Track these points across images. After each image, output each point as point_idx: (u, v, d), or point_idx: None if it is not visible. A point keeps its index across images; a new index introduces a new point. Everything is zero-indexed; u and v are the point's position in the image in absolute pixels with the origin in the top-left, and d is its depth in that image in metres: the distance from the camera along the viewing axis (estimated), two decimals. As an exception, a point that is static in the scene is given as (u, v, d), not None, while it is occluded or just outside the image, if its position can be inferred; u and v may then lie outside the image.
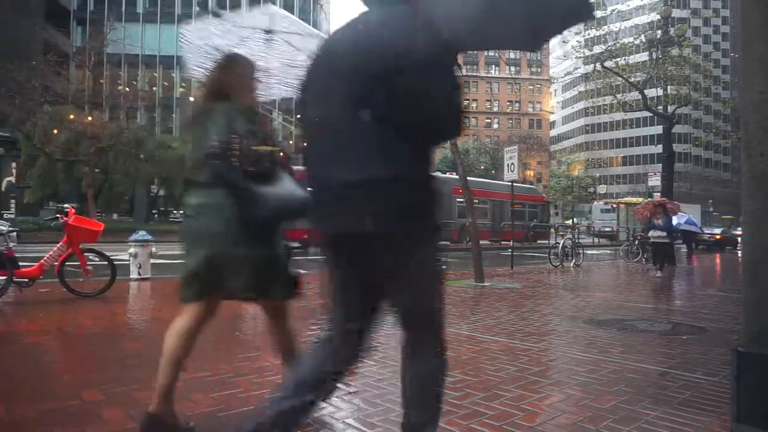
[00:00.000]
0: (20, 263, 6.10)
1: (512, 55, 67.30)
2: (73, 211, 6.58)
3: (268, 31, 2.64)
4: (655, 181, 17.78)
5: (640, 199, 35.19)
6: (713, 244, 26.11)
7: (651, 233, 11.39)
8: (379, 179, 1.50)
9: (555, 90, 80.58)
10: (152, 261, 8.84)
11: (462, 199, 23.33)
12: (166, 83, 44.44)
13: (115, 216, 38.22)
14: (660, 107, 16.32)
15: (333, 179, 1.58)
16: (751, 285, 2.33)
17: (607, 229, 32.35)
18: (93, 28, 30.48)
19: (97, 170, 26.93)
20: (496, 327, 5.05)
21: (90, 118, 26.25)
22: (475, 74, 71.13)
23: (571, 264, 12.87)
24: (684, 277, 11.38)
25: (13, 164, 29.51)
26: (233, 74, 2.37)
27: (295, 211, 2.14)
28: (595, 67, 17.90)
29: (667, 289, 9.38)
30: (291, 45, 2.63)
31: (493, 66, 74.77)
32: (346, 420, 2.57)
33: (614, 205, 34.72)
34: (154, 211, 40.37)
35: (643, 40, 17.25)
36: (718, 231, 28.67)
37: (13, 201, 28.88)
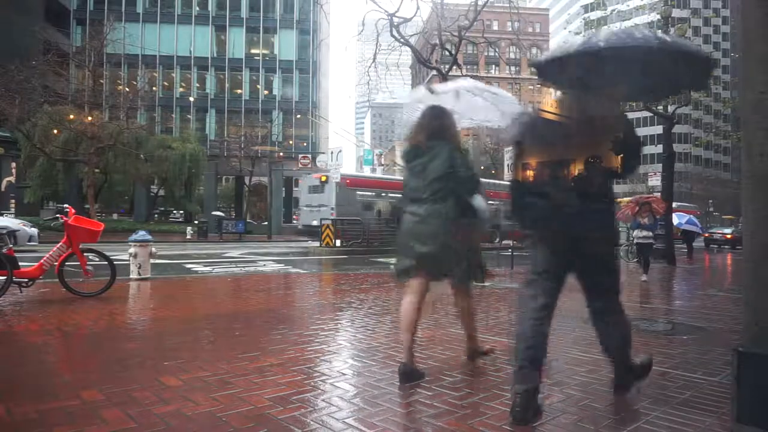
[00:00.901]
0: (20, 263, 6.11)
1: (512, 55, 67.28)
2: (73, 211, 6.58)
3: (467, 93, 3.63)
4: (655, 181, 17.78)
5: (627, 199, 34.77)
6: (723, 243, 26.08)
7: (636, 233, 10.92)
8: (600, 203, 2.69)
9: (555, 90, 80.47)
10: (152, 261, 8.84)
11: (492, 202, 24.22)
12: (166, 83, 44.41)
13: (115, 216, 38.24)
14: (660, 107, 16.31)
15: (570, 202, 2.59)
16: (751, 285, 2.33)
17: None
18: (93, 28, 30.43)
19: (97, 170, 26.92)
20: (496, 327, 5.05)
21: (90, 118, 26.24)
22: (475, 74, 70.97)
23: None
24: (684, 277, 11.38)
25: (13, 164, 29.52)
26: (446, 123, 3.30)
27: (487, 218, 3.34)
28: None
29: (667, 289, 9.38)
30: (478, 96, 3.68)
31: (493, 66, 74.74)
32: (346, 420, 2.57)
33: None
34: (154, 211, 40.37)
35: (643, 40, 17.23)
36: (729, 231, 28.62)
37: (13, 201, 28.90)
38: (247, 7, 45.23)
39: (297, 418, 2.58)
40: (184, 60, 44.09)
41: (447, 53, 10.24)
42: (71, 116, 26.83)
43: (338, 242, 17.37)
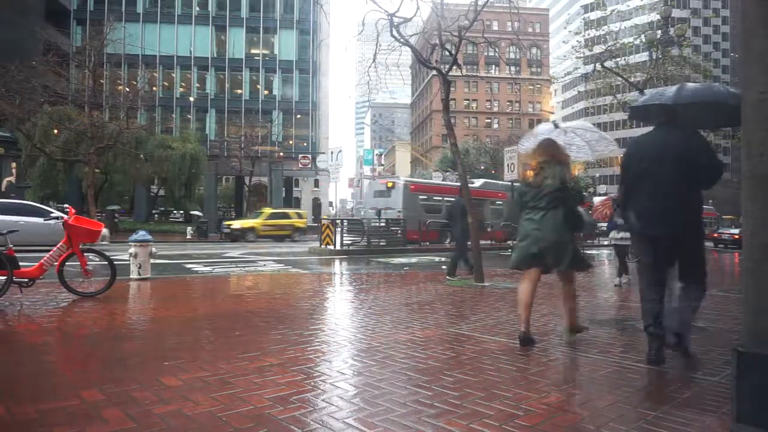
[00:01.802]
0: (20, 263, 6.11)
1: (512, 55, 67.27)
2: (73, 211, 6.58)
3: (572, 132, 4.86)
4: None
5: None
6: (731, 243, 26.07)
7: (612, 234, 9.95)
8: (692, 212, 3.63)
9: (555, 90, 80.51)
10: (152, 261, 8.84)
11: (500, 202, 25.29)
12: (166, 83, 44.41)
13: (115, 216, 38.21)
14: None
15: (668, 209, 3.57)
16: (751, 285, 2.33)
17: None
18: (93, 28, 30.41)
19: (97, 170, 26.91)
20: (496, 327, 5.05)
21: (90, 118, 26.24)
22: (475, 74, 71.09)
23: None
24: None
25: (13, 164, 29.51)
26: (558, 149, 4.35)
27: (588, 222, 6.10)
28: (595, 67, 17.90)
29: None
30: (578, 136, 4.91)
31: (493, 66, 74.78)
32: (346, 420, 2.57)
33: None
34: (154, 211, 40.37)
35: (643, 40, 17.24)
36: (736, 231, 28.70)
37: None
38: (247, 7, 45.23)
39: (297, 418, 2.58)
40: (184, 60, 44.09)
41: (447, 53, 10.22)
42: (71, 116, 26.82)
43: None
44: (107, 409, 2.64)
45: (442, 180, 44.55)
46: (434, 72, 10.27)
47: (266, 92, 45.85)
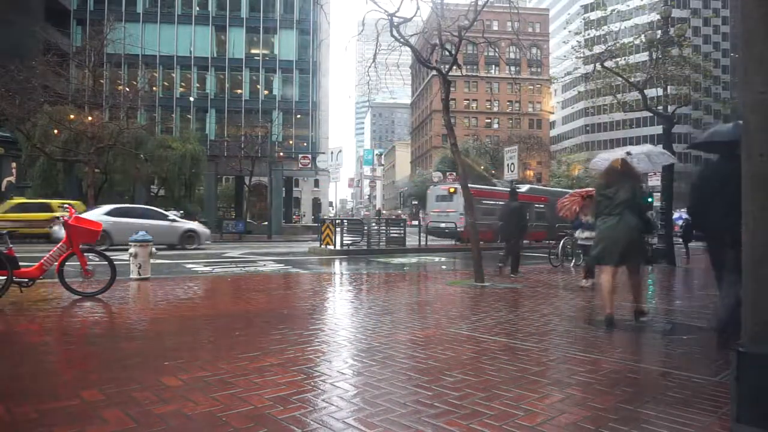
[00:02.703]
0: (20, 263, 6.11)
1: (512, 55, 67.27)
2: (73, 211, 6.58)
3: (638, 154, 6.10)
4: (655, 181, 17.75)
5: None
6: None
7: (578, 233, 9.11)
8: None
9: (555, 90, 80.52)
10: (152, 261, 8.84)
11: (542, 205, 26.82)
12: (166, 83, 44.40)
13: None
14: (660, 107, 16.30)
15: (726, 216, 3.63)
16: (751, 285, 2.33)
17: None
18: (93, 28, 30.40)
19: (97, 170, 26.90)
20: (496, 327, 5.05)
21: (90, 118, 26.22)
22: (475, 74, 71.10)
23: (571, 264, 12.86)
24: (684, 278, 11.38)
25: (14, 164, 29.50)
26: (630, 168, 5.40)
27: (654, 225, 7.61)
28: (595, 67, 17.89)
29: (667, 289, 9.37)
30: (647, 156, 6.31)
31: (493, 66, 74.78)
32: (346, 420, 2.57)
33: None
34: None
35: (643, 40, 17.22)
36: None
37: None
38: (247, 7, 45.21)
39: (297, 418, 2.58)
40: (184, 60, 44.06)
41: (447, 53, 10.22)
42: (71, 116, 26.79)
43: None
44: (107, 409, 2.64)
45: (440, 180, 44.82)
46: (434, 72, 10.27)
47: (266, 92, 45.83)
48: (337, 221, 18.13)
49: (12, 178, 27.42)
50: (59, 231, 16.90)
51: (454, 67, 9.92)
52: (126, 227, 15.85)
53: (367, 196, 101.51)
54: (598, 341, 4.47)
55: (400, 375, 3.36)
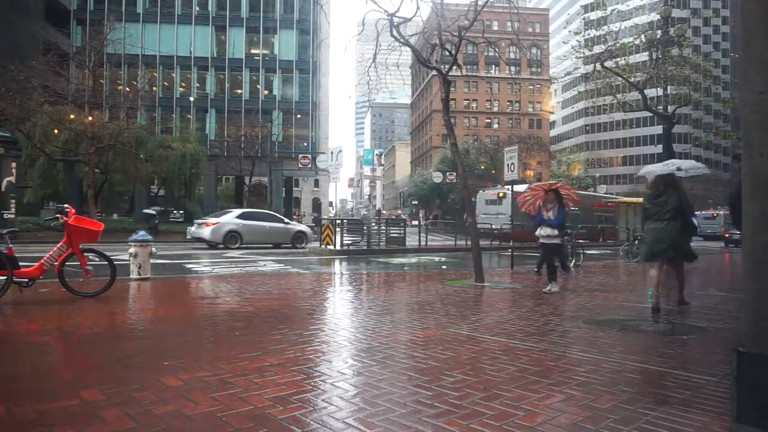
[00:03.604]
0: (20, 263, 6.10)
1: (512, 55, 67.25)
2: (73, 211, 6.58)
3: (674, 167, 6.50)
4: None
5: (634, 198, 35.05)
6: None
7: (539, 231, 8.22)
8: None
9: (555, 90, 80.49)
10: (152, 261, 8.83)
11: (576, 208, 28.37)
12: (166, 83, 44.41)
13: (115, 216, 38.19)
14: (660, 107, 16.31)
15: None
16: (751, 285, 2.33)
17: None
18: (93, 28, 30.38)
19: (97, 170, 26.89)
20: (496, 327, 5.05)
21: (90, 118, 26.21)
22: (475, 74, 71.07)
23: (571, 264, 12.86)
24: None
25: (14, 164, 29.48)
26: (676, 179, 6.12)
27: (697, 228, 6.65)
28: (595, 67, 17.88)
29: (667, 289, 9.37)
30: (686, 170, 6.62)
31: (493, 66, 74.75)
32: (346, 420, 2.57)
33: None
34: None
35: (643, 40, 17.23)
36: None
37: (13, 201, 28.88)
38: (247, 7, 45.22)
39: (297, 418, 2.58)
40: (184, 60, 44.08)
41: (447, 53, 10.21)
42: (71, 116, 26.78)
43: None
44: (107, 409, 2.64)
45: (441, 180, 44.92)
46: (434, 72, 10.27)
47: (266, 92, 45.84)
48: (337, 221, 18.12)
49: (12, 178, 27.39)
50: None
51: (454, 67, 9.93)
52: (253, 229, 18.41)
53: (367, 196, 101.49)
54: (598, 341, 4.47)
55: (400, 375, 3.36)
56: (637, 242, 15.90)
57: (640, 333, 4.95)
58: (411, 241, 19.63)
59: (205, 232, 17.86)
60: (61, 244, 6.28)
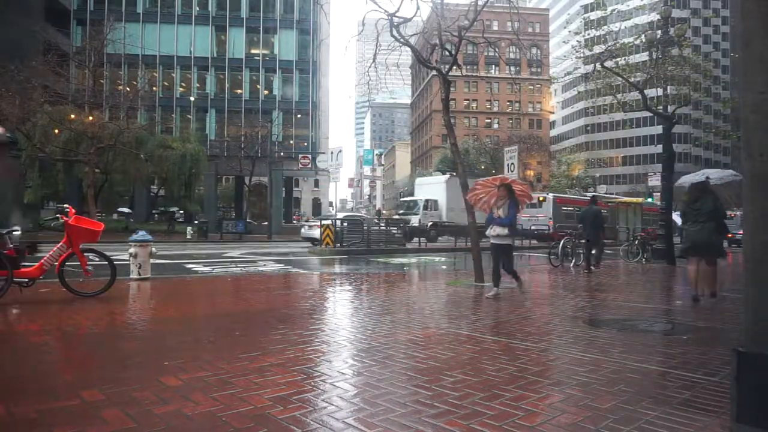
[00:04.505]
0: (20, 263, 6.10)
1: (512, 55, 67.25)
2: (73, 211, 6.58)
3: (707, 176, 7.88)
4: (655, 181, 17.75)
5: (635, 198, 35.04)
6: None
7: (489, 231, 7.37)
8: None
9: (555, 90, 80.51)
10: (152, 261, 8.83)
11: (604, 211, 29.13)
12: (166, 83, 44.40)
13: (115, 216, 38.19)
14: (660, 107, 16.30)
15: None
16: (751, 285, 2.33)
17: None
18: (93, 28, 30.40)
19: (97, 170, 26.90)
20: (496, 327, 5.05)
21: (90, 118, 26.22)
22: (475, 74, 71.03)
23: (571, 264, 12.87)
24: (684, 277, 11.37)
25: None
26: (709, 186, 7.25)
27: (727, 230, 7.35)
28: (595, 67, 17.88)
29: (667, 289, 9.38)
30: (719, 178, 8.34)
31: (493, 66, 74.73)
32: (346, 420, 2.57)
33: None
34: (154, 211, 40.34)
35: (643, 40, 17.22)
36: None
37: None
38: (247, 7, 45.22)
39: (297, 418, 2.58)
40: (184, 60, 44.08)
41: (447, 53, 10.21)
42: (71, 116, 26.79)
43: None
44: (107, 409, 2.64)
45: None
46: (434, 72, 10.27)
47: (266, 92, 45.84)
48: (337, 221, 18.14)
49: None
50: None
51: (454, 67, 9.92)
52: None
53: (367, 196, 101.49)
54: (598, 341, 4.47)
55: (400, 375, 3.36)
56: (637, 242, 15.93)
57: (640, 333, 4.95)
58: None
59: (316, 233, 19.62)
60: (61, 244, 6.28)
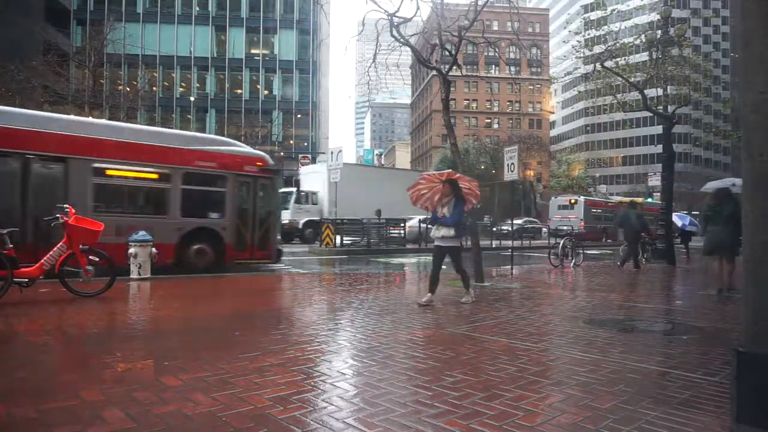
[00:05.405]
0: (20, 263, 6.10)
1: (512, 55, 67.22)
2: (74, 211, 6.58)
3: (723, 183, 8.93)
4: (655, 181, 17.75)
5: (638, 199, 35.12)
6: None
7: (434, 232, 6.68)
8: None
9: (555, 90, 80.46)
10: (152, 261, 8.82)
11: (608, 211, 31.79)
12: (166, 83, 44.42)
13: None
14: (660, 107, 16.29)
15: None
16: (751, 285, 2.33)
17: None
18: (93, 28, 30.42)
19: (97, 170, 26.87)
20: (496, 327, 5.05)
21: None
22: (475, 74, 71.00)
23: (571, 264, 12.86)
24: (684, 277, 11.38)
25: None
26: (729, 191, 8.10)
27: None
28: (595, 67, 17.88)
29: (666, 289, 9.38)
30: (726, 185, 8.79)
31: (493, 66, 74.69)
32: (346, 420, 2.57)
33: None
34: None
35: (643, 40, 17.22)
36: None
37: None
38: (247, 7, 45.24)
39: (297, 418, 2.58)
40: (184, 60, 44.10)
41: (447, 53, 10.21)
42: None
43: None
44: (107, 409, 2.64)
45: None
46: (434, 72, 10.26)
47: (266, 92, 45.86)
48: (336, 221, 18.13)
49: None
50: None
51: (454, 67, 9.92)
52: None
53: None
54: (598, 341, 4.47)
55: (400, 375, 3.36)
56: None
57: (640, 333, 4.95)
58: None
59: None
60: (61, 244, 6.29)
